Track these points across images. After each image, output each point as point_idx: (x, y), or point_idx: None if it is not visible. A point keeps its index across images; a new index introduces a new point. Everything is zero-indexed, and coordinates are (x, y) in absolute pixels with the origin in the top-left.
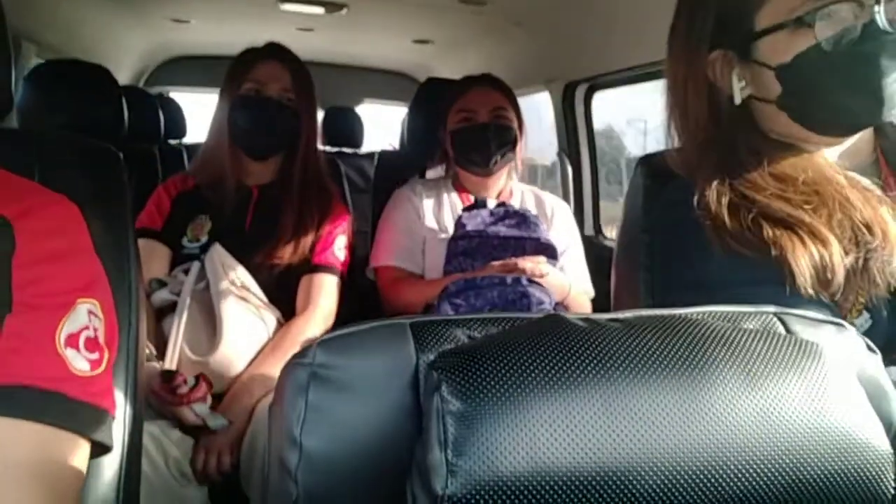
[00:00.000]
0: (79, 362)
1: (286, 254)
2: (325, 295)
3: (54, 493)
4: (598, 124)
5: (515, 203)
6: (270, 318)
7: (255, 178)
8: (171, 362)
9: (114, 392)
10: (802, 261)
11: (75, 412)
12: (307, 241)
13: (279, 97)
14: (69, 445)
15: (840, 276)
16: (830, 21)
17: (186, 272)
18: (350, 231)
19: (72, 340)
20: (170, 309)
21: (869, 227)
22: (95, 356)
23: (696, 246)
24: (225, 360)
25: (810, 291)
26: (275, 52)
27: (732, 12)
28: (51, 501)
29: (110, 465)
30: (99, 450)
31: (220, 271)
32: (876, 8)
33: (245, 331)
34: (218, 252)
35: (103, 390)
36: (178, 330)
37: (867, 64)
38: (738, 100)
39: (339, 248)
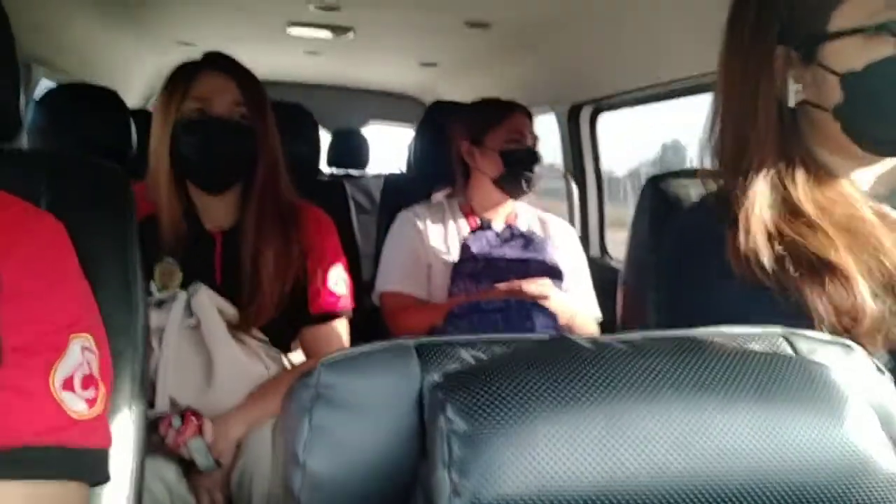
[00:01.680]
0: (76, 404)
1: (269, 308)
2: (333, 345)
3: None
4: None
5: (521, 225)
6: (271, 357)
7: (215, 219)
8: (160, 405)
9: (108, 423)
10: (821, 306)
11: (76, 461)
12: (288, 289)
13: (229, 115)
14: (72, 492)
15: (865, 322)
16: None
17: (159, 304)
18: (343, 254)
19: (67, 383)
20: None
21: None
22: (91, 393)
23: (717, 274)
24: (219, 405)
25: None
26: (217, 62)
27: (805, 9)
28: None
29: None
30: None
31: (212, 310)
32: None
33: (241, 372)
34: (207, 292)
35: (101, 427)
36: (166, 370)
37: None
38: (791, 102)
39: (336, 283)
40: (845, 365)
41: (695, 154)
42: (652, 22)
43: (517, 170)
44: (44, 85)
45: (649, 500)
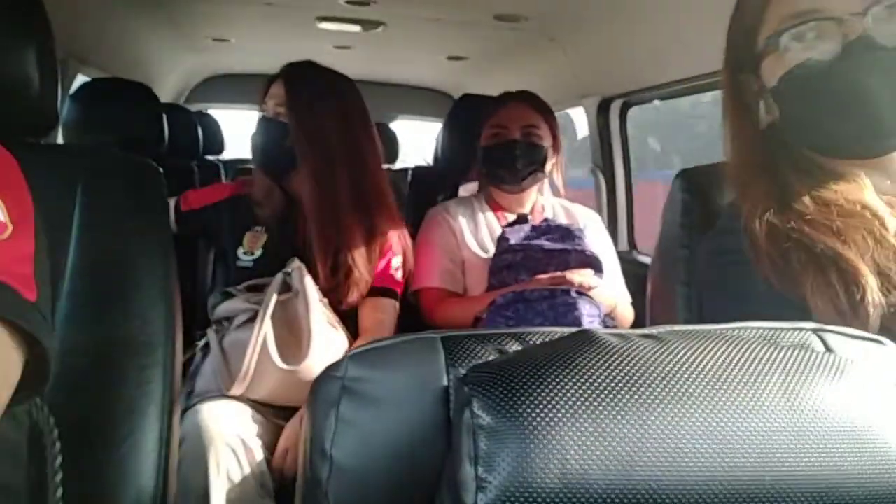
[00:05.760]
0: None
1: (338, 275)
2: (388, 316)
3: None
4: None
5: (546, 216)
6: (345, 336)
7: (295, 195)
8: (248, 366)
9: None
10: (821, 302)
11: None
12: (361, 262)
13: (273, 115)
14: None
15: (872, 316)
16: (800, 42)
17: (252, 289)
18: (405, 246)
19: None
20: (245, 323)
21: None
22: None
23: (743, 283)
24: (314, 370)
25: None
26: (282, 72)
27: (745, 36)
28: None
29: (147, 469)
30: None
31: (308, 285)
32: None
33: (329, 344)
34: (302, 268)
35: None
36: (258, 336)
37: (840, 85)
38: (762, 124)
39: (396, 270)
40: (876, 360)
41: None
42: (683, 15)
43: (493, 164)
44: (79, 80)
45: (675, 495)
